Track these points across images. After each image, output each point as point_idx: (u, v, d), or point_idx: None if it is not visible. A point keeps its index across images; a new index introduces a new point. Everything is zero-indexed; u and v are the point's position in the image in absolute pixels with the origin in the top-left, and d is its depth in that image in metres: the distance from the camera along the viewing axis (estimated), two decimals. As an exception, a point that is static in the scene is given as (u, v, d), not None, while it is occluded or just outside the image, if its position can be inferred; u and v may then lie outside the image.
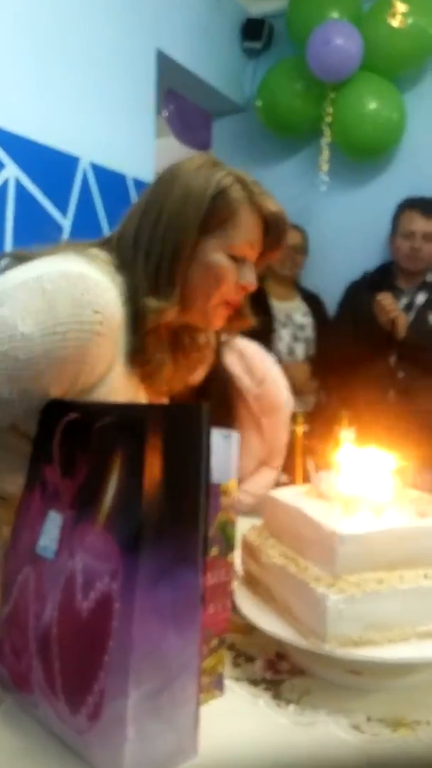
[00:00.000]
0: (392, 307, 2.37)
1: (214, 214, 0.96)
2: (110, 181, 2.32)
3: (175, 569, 0.64)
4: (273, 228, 1.03)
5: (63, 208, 2.13)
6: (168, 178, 0.98)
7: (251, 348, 1.50)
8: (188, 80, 2.87)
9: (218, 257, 0.97)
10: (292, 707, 0.76)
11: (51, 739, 0.68)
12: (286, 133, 2.97)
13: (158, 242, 0.94)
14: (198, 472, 0.67)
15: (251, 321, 1.14)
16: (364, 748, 0.69)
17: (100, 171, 2.26)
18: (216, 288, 0.98)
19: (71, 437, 0.75)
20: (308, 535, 0.83)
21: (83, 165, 2.21)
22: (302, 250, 2.73)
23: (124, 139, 2.37)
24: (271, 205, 1.02)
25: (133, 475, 0.64)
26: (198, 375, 1.27)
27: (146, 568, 0.62)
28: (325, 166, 2.74)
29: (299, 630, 0.78)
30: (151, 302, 0.92)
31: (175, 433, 0.66)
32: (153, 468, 0.64)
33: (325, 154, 2.72)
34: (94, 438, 0.70)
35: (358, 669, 0.79)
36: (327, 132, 2.73)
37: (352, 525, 0.79)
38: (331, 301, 2.73)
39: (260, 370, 1.51)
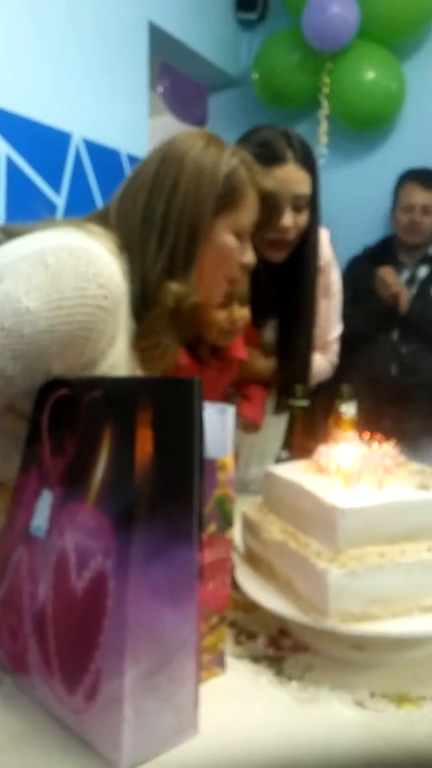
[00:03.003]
0: (394, 281, 2.34)
1: (227, 194, 0.95)
2: (104, 157, 2.28)
3: (169, 546, 0.63)
4: (269, 207, 1.03)
5: (56, 186, 2.09)
6: (176, 154, 0.95)
7: (324, 234, 1.48)
8: (182, 53, 2.81)
9: (228, 238, 0.97)
10: (294, 684, 0.74)
11: (50, 721, 0.67)
12: (283, 105, 2.91)
13: (174, 222, 0.93)
14: (191, 447, 0.65)
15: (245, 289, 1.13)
16: (368, 724, 0.67)
17: (93, 147, 2.22)
18: (223, 268, 0.99)
19: (61, 414, 0.73)
20: (308, 509, 0.81)
21: (76, 141, 2.17)
22: None
23: (117, 114, 2.32)
24: (270, 184, 1.02)
25: (123, 450, 0.63)
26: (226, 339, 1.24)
27: (140, 546, 0.61)
28: (323, 139, 2.69)
29: (301, 606, 0.77)
30: (174, 287, 0.91)
31: (166, 408, 0.64)
32: (143, 443, 0.62)
33: (324, 126, 2.67)
34: (83, 413, 0.68)
35: (361, 644, 0.77)
36: (325, 103, 2.68)
37: (353, 498, 0.78)
38: (332, 277, 2.69)
39: (327, 253, 1.50)
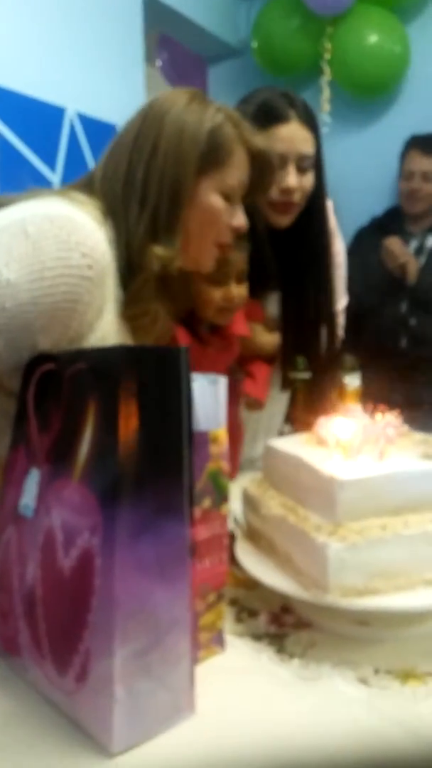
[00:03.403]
0: (401, 251, 2.29)
1: (211, 152, 0.91)
2: (100, 131, 2.21)
3: (159, 521, 0.60)
4: (261, 167, 0.98)
5: (51, 163, 2.05)
6: (156, 114, 0.91)
7: (328, 204, 1.43)
8: (179, 24, 2.75)
9: (215, 199, 0.93)
10: (296, 661, 0.72)
11: (43, 703, 0.66)
12: (284, 73, 2.83)
13: (155, 184, 0.89)
14: (179, 419, 0.62)
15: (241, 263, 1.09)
16: (372, 703, 0.65)
17: (88, 121, 2.17)
18: (210, 231, 0.94)
19: (48, 389, 0.70)
20: (307, 482, 0.78)
21: (69, 115, 2.12)
22: None
23: (112, 87, 2.26)
24: (259, 142, 0.97)
25: (108, 423, 0.60)
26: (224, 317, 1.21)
27: (126, 521, 0.58)
28: (326, 106, 2.62)
29: (301, 582, 0.74)
30: (158, 250, 0.87)
31: (153, 378, 0.61)
32: (129, 415, 0.59)
33: (326, 93, 2.60)
34: (66, 387, 0.65)
35: (365, 620, 0.75)
36: (327, 70, 2.60)
37: (353, 470, 0.75)
38: (339, 249, 2.63)
39: (330, 222, 1.45)
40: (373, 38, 2.60)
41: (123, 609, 0.58)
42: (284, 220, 1.28)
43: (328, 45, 2.60)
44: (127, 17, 2.38)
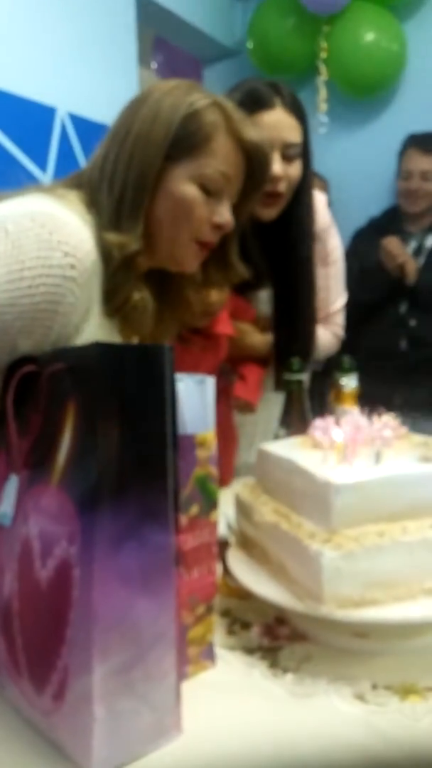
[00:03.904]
0: (399, 251, 2.26)
1: (185, 137, 0.86)
2: (92, 132, 2.17)
3: (141, 529, 0.57)
4: (254, 161, 0.93)
5: (42, 164, 2.01)
6: (138, 100, 0.88)
7: (320, 198, 1.40)
8: (174, 25, 2.73)
9: (187, 188, 0.87)
10: (289, 676, 0.68)
11: (21, 722, 0.62)
12: (280, 74, 2.80)
13: (122, 168, 0.85)
14: (162, 420, 0.59)
15: (243, 271, 1.05)
16: (369, 721, 0.61)
17: (79, 122, 2.14)
18: (184, 223, 0.89)
19: (27, 391, 0.67)
20: (301, 487, 0.74)
21: (61, 116, 2.09)
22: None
23: (104, 87, 2.23)
24: (252, 133, 0.91)
25: (87, 425, 0.57)
26: (202, 321, 1.18)
27: (106, 529, 0.55)
28: (323, 106, 2.59)
29: (295, 592, 0.71)
30: (111, 236, 0.82)
31: (134, 378, 0.57)
32: (108, 417, 0.56)
33: (323, 93, 2.57)
34: (45, 388, 0.62)
35: (363, 632, 0.71)
36: (323, 69, 2.58)
37: (349, 474, 0.71)
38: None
39: (324, 218, 1.42)
40: (369, 37, 2.57)
41: (102, 623, 0.55)
42: (270, 213, 1.24)
43: (324, 44, 2.58)
44: (120, 17, 2.36)
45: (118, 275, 0.84)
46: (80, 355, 0.60)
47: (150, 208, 0.86)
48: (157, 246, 0.90)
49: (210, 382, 0.68)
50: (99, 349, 0.57)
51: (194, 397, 0.67)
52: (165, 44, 3.10)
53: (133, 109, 0.87)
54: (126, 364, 0.57)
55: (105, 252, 0.83)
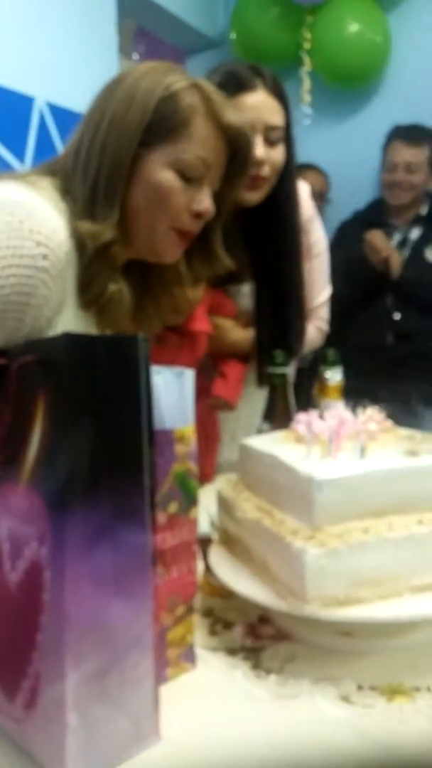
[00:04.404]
0: (384, 245, 2.24)
1: (161, 120, 0.82)
2: (71, 122, 2.09)
3: (116, 528, 0.54)
4: (236, 145, 0.89)
5: (20, 154, 1.97)
6: (114, 83, 0.85)
7: (304, 188, 1.37)
8: (156, 15, 2.69)
9: (164, 175, 0.84)
10: (273, 678, 0.66)
11: (-6, 731, 0.59)
12: (264, 64, 2.77)
13: (96, 154, 0.81)
14: (138, 414, 0.56)
15: (228, 262, 1.02)
16: (355, 723, 0.59)
17: (58, 112, 2.09)
18: (161, 212, 0.85)
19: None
20: (284, 483, 0.72)
21: (39, 105, 2.04)
22: (323, 197, 2.55)
23: (84, 76, 2.17)
24: (233, 117, 0.87)
25: (58, 420, 0.54)
26: (175, 319, 1.15)
27: (78, 528, 0.52)
28: (307, 98, 2.56)
29: (278, 591, 0.69)
30: (84, 225, 0.79)
31: (107, 369, 0.55)
32: (80, 411, 0.53)
33: (306, 84, 2.54)
34: (14, 381, 0.59)
35: (347, 631, 0.69)
36: (307, 60, 2.55)
37: (332, 468, 0.69)
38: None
39: (308, 209, 1.38)
40: (353, 27, 2.55)
41: (75, 627, 0.52)
42: (253, 197, 1.21)
43: (307, 35, 2.55)
44: (101, 6, 2.31)
45: (93, 266, 0.81)
46: (49, 347, 0.57)
47: (126, 195, 0.83)
48: (135, 235, 0.86)
49: (189, 375, 0.66)
50: (68, 339, 0.54)
51: (173, 390, 0.64)
52: (147, 34, 3.06)
53: (109, 92, 0.84)
54: (97, 355, 0.54)
55: (80, 242, 0.80)
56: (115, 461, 0.55)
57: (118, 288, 0.85)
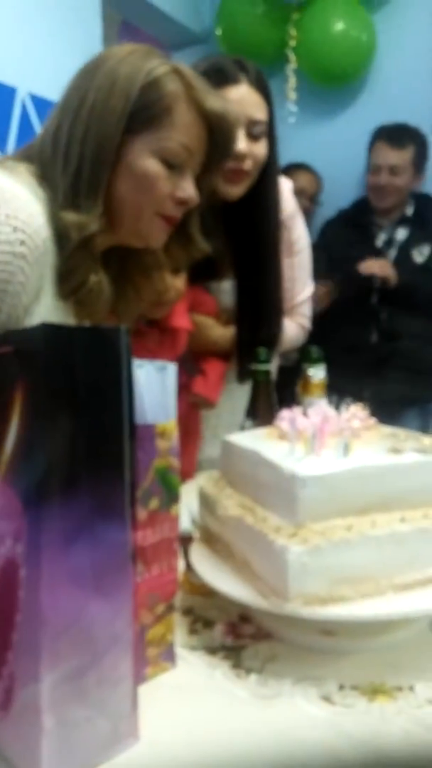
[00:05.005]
0: (381, 271, 2.21)
1: (144, 108, 0.81)
2: (54, 113, 2.10)
3: (95, 524, 0.53)
4: (217, 132, 0.88)
5: (1, 145, 1.93)
6: (92, 67, 0.83)
7: (286, 184, 1.36)
8: (142, 9, 2.66)
9: (149, 163, 0.83)
10: (253, 677, 0.65)
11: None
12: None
13: (78, 142, 0.80)
14: (118, 407, 0.55)
15: (204, 246, 1.01)
16: (336, 723, 0.58)
17: (41, 103, 2.05)
18: (147, 200, 0.84)
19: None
20: (266, 480, 0.71)
21: (21, 96, 2.00)
22: (314, 198, 2.54)
23: (67, 68, 2.13)
24: (215, 103, 0.86)
25: (36, 414, 0.52)
26: (158, 312, 1.14)
27: (55, 525, 0.51)
28: (292, 95, 2.55)
29: (260, 589, 0.68)
30: (69, 216, 0.78)
31: (87, 361, 0.53)
32: (58, 404, 0.52)
33: (292, 81, 2.53)
34: (-10, 373, 0.57)
35: (329, 629, 0.68)
36: (292, 57, 2.53)
37: (315, 465, 0.68)
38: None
39: (290, 205, 1.37)
40: (339, 25, 2.54)
41: (52, 626, 0.51)
42: (235, 191, 1.20)
43: (293, 32, 2.54)
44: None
45: (75, 256, 0.80)
46: (27, 337, 0.55)
47: (109, 184, 0.82)
48: (120, 223, 0.85)
49: (171, 369, 0.65)
50: (46, 330, 0.53)
51: (155, 384, 0.63)
52: (132, 28, 3.03)
53: (87, 76, 0.82)
54: (76, 346, 0.53)
55: (59, 231, 0.78)
56: (95, 456, 0.53)
57: (98, 279, 0.84)
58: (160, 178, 0.84)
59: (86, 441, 0.53)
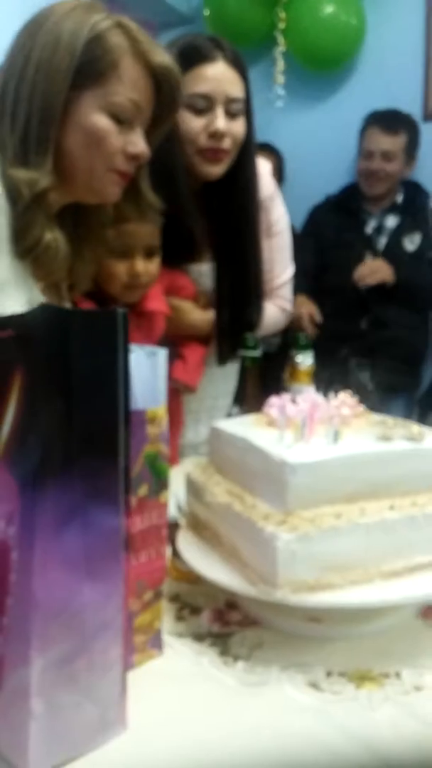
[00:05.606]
0: (379, 274, 2.20)
1: (90, 63, 0.81)
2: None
3: (88, 509, 0.53)
4: (163, 85, 0.88)
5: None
6: (34, 25, 0.83)
7: (264, 165, 1.35)
8: (129, -13, 2.60)
9: (97, 117, 0.83)
10: (240, 664, 0.65)
11: None
12: (237, 43, 2.65)
13: (25, 100, 0.80)
14: (114, 392, 0.54)
15: (154, 200, 1.00)
16: (323, 710, 0.59)
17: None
18: (98, 155, 0.85)
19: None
20: (255, 467, 0.71)
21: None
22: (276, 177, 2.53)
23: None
24: (160, 56, 0.87)
25: (33, 398, 0.51)
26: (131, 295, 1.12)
27: (49, 508, 0.50)
28: (280, 78, 2.52)
29: (248, 576, 0.68)
30: (19, 173, 0.78)
31: (85, 345, 0.52)
32: (55, 389, 0.51)
33: (280, 64, 2.50)
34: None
35: (317, 616, 0.69)
36: (281, 40, 2.50)
37: (305, 453, 0.68)
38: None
39: (269, 186, 1.36)
40: (328, 8, 2.50)
41: (42, 610, 0.50)
42: (215, 170, 1.19)
43: (282, 14, 2.50)
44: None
45: (28, 214, 0.80)
46: (26, 321, 0.54)
47: (59, 140, 0.82)
48: (73, 180, 0.86)
49: (162, 354, 0.64)
50: (44, 313, 0.52)
51: (145, 369, 0.63)
52: (119, 7, 2.98)
53: (31, 34, 0.82)
54: (73, 330, 0.52)
55: (11, 189, 0.79)
56: (90, 441, 0.53)
57: (54, 237, 0.84)
58: (109, 133, 0.84)
59: (82, 426, 0.52)
